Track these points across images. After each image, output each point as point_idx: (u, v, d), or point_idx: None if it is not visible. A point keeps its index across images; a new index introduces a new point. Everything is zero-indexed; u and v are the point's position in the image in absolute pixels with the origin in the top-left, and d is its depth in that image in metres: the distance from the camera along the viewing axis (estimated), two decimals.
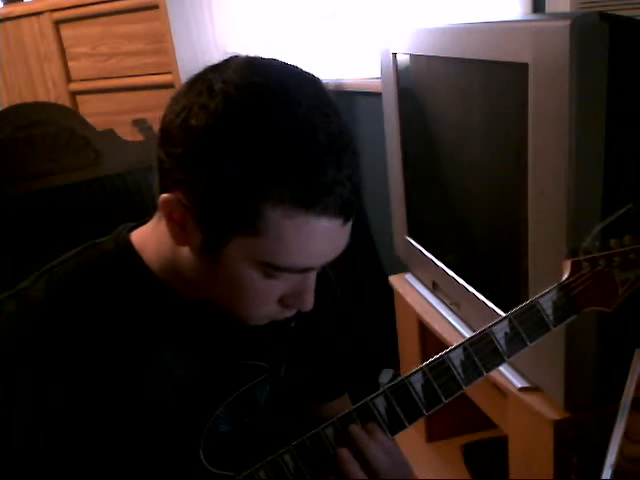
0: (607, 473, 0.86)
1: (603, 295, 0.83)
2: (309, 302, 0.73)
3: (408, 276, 1.78)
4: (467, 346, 0.79)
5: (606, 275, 0.83)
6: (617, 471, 0.85)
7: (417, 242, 1.67)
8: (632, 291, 0.83)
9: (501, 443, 1.34)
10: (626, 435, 0.88)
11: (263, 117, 0.62)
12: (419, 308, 1.62)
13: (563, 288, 0.82)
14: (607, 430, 0.91)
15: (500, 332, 0.79)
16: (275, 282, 0.69)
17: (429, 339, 1.62)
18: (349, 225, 0.69)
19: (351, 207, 0.66)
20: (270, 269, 0.67)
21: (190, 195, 0.65)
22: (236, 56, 0.68)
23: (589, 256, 0.82)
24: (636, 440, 0.88)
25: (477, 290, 1.34)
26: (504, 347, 0.79)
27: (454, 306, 1.49)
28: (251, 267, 0.67)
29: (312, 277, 0.72)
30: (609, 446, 0.88)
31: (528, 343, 0.80)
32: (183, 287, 0.74)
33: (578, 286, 0.82)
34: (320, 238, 0.66)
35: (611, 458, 0.87)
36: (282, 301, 0.72)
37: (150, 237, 0.76)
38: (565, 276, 0.82)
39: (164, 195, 0.67)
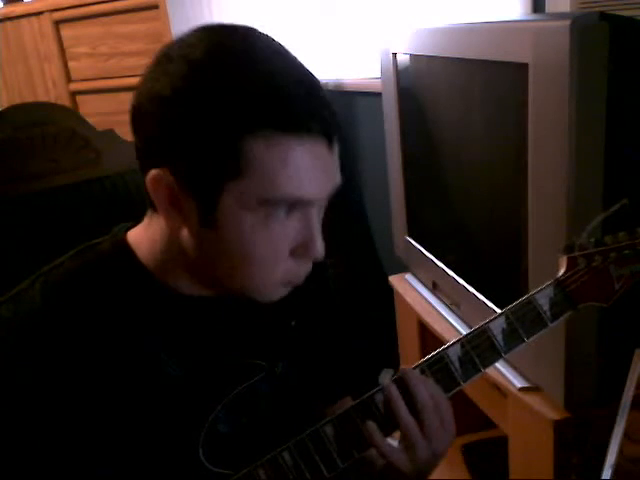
0: (607, 473, 0.85)
1: (599, 291, 0.83)
2: (319, 247, 0.70)
3: (408, 276, 1.78)
4: (464, 342, 0.78)
5: (602, 271, 0.83)
6: (617, 471, 0.85)
7: (417, 242, 1.67)
8: (628, 287, 0.83)
9: (501, 443, 1.34)
10: (626, 435, 0.88)
11: (228, 61, 0.63)
12: (419, 308, 1.62)
13: (559, 284, 0.82)
14: (607, 430, 0.91)
15: (497, 328, 0.79)
16: (279, 228, 0.68)
17: (429, 339, 1.62)
18: (336, 152, 0.69)
19: (332, 127, 0.66)
20: (268, 206, 0.66)
21: (172, 162, 0.65)
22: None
23: (585, 252, 0.82)
24: (636, 440, 0.88)
25: (477, 290, 1.34)
26: (501, 343, 0.79)
27: (454, 306, 1.49)
28: (250, 212, 0.66)
29: (315, 217, 0.70)
30: (609, 446, 0.88)
31: (525, 339, 0.80)
32: (181, 282, 0.74)
33: (574, 282, 0.82)
34: (307, 162, 0.65)
35: (611, 458, 0.87)
36: (292, 254, 0.71)
37: (144, 235, 0.75)
38: (561, 272, 0.82)
39: (150, 172, 0.67)
